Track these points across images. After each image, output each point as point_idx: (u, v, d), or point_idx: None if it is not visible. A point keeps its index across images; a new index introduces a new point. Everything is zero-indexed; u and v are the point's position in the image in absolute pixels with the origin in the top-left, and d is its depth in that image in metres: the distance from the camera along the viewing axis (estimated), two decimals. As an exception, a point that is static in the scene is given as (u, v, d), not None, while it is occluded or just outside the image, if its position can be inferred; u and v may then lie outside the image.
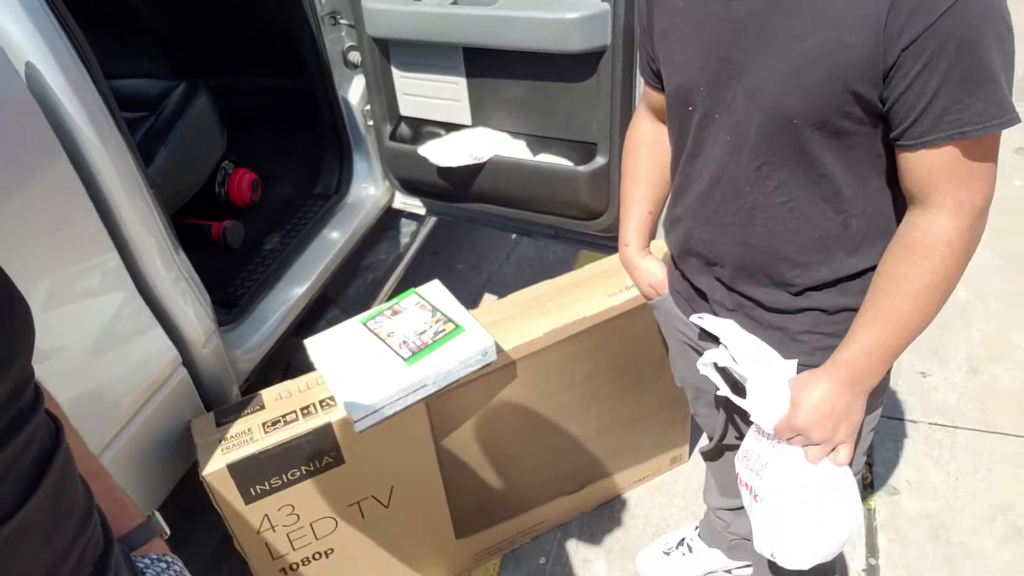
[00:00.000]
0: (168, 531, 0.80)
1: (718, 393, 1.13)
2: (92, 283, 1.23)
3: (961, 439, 2.08)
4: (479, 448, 1.66)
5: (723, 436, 1.38)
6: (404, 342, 1.43)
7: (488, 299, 2.73)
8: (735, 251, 1.05)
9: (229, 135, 2.14)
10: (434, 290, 1.57)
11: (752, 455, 1.10)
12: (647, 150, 1.25)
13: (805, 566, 1.08)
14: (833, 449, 1.02)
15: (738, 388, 1.10)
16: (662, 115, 1.16)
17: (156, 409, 1.38)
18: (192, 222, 1.99)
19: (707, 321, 1.11)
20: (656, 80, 1.14)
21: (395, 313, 1.51)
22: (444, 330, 1.45)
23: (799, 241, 0.99)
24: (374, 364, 1.40)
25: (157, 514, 0.79)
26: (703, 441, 1.55)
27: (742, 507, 1.56)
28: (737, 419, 1.31)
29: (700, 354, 1.22)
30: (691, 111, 1.01)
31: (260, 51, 2.19)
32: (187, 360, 1.44)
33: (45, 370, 1.10)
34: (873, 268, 0.97)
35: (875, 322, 0.94)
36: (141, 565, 0.74)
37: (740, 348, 1.06)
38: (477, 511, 1.79)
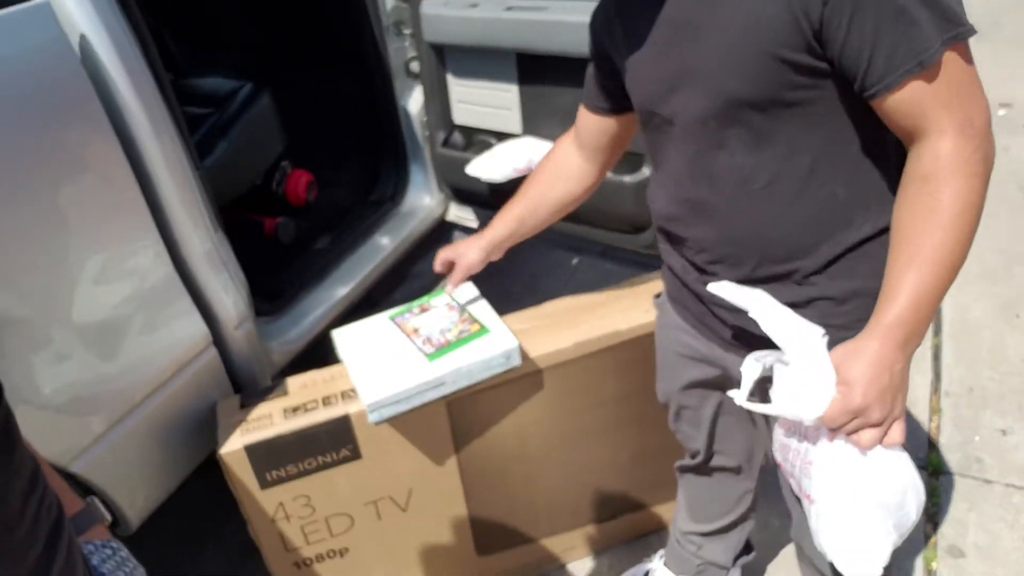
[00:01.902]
0: (109, 518, 0.79)
1: (741, 402, 0.98)
2: (131, 255, 1.28)
3: (1042, 505, 1.88)
4: (503, 460, 1.61)
5: (709, 456, 1.32)
6: (428, 339, 1.41)
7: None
8: (730, 249, 1.01)
9: (294, 139, 2.22)
10: (466, 291, 1.55)
11: (790, 451, 0.97)
12: (552, 175, 1.31)
13: (877, 571, 0.94)
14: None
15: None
16: (591, 145, 1.25)
17: (184, 384, 1.41)
18: (247, 216, 2.06)
19: (727, 290, 0.99)
20: (603, 103, 1.18)
21: (423, 310, 1.50)
22: (469, 330, 1.42)
23: (789, 223, 0.96)
24: (395, 357, 1.39)
25: (96, 500, 0.78)
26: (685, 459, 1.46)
27: (715, 531, 1.48)
28: (723, 441, 1.29)
29: (700, 366, 1.19)
30: (657, 122, 1.03)
31: (327, 59, 2.27)
32: (218, 341, 1.47)
33: (76, 332, 1.17)
34: (873, 236, 0.93)
35: (914, 266, 0.85)
36: (86, 550, 0.72)
37: (771, 322, 0.93)
38: (501, 528, 1.73)
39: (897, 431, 0.89)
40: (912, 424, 2.12)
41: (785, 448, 0.99)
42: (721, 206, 0.99)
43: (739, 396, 0.96)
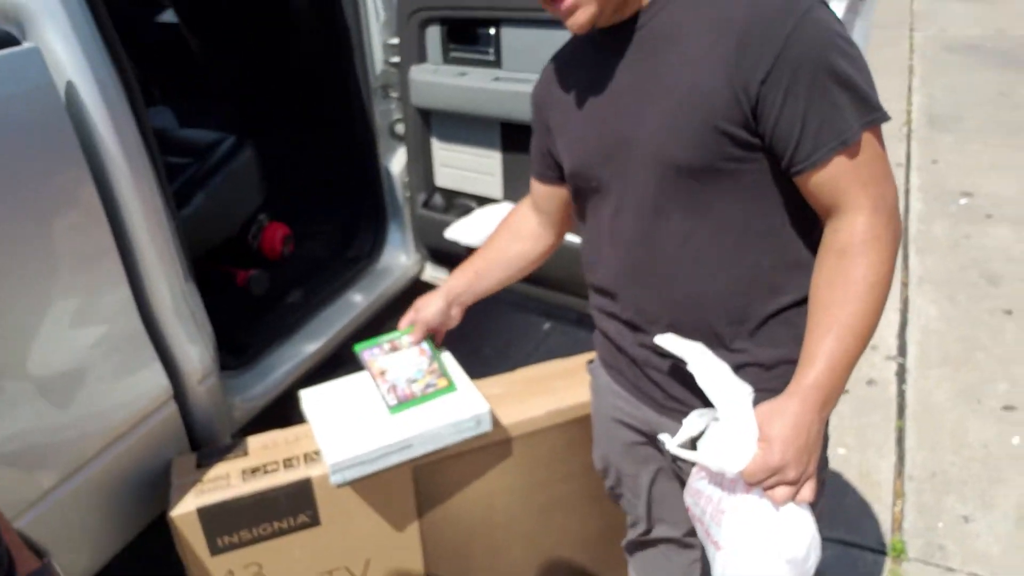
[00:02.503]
0: None
1: (671, 448, 1.01)
2: (97, 301, 1.24)
3: (1005, 595, 1.87)
4: (467, 530, 1.57)
5: (650, 526, 1.32)
6: (393, 387, 1.37)
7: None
8: (665, 312, 1.04)
9: (274, 192, 2.22)
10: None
11: (703, 496, 1.00)
12: (510, 234, 1.36)
13: None
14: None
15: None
16: (546, 210, 1.27)
17: (139, 439, 1.35)
18: (220, 268, 2.04)
19: (670, 341, 1.02)
20: (551, 172, 1.21)
21: (393, 349, 1.46)
22: (436, 384, 1.39)
23: (718, 289, 1.00)
24: (361, 414, 1.35)
25: (53, 560, 0.74)
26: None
27: None
28: (662, 508, 1.29)
29: (634, 431, 1.20)
30: (594, 186, 1.06)
31: (314, 116, 2.30)
32: (179, 394, 1.43)
33: (32, 379, 1.12)
34: (794, 305, 0.99)
35: (831, 333, 0.91)
36: None
37: (706, 375, 0.96)
38: (460, 603, 1.67)
39: (808, 489, 0.93)
40: (876, 508, 2.12)
41: (698, 493, 1.02)
42: (657, 268, 1.03)
43: (671, 443, 0.99)
